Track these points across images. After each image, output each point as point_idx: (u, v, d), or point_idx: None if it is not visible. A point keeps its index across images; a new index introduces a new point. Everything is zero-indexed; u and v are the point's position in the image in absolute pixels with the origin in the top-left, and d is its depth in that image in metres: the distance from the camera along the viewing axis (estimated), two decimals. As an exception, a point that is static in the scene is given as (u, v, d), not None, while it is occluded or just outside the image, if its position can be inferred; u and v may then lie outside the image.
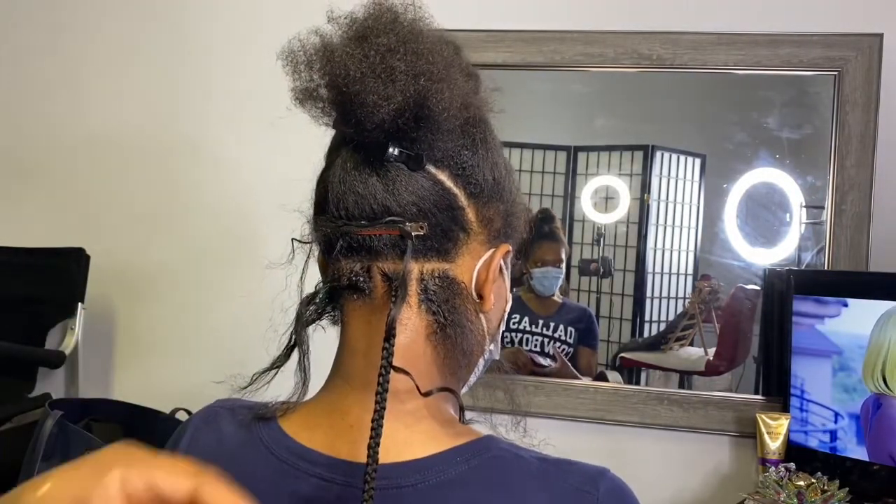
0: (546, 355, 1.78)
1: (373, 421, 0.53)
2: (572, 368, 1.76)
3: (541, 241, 1.80)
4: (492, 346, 0.67)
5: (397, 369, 0.56)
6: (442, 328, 0.61)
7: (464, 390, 0.68)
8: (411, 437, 0.60)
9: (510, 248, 0.65)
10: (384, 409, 0.53)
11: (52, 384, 1.89)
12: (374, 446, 0.52)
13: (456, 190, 0.61)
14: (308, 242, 0.63)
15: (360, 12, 0.60)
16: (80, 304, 1.85)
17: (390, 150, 0.58)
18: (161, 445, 0.96)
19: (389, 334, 0.55)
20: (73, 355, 1.84)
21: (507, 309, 0.68)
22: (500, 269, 0.65)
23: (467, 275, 0.62)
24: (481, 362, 0.67)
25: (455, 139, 0.60)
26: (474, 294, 0.63)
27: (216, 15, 1.96)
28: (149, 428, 1.64)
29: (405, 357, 0.58)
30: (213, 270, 1.93)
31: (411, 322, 0.60)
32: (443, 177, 0.60)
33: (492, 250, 0.64)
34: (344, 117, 0.58)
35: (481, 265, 0.63)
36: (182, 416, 1.68)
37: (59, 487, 0.40)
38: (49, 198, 2.04)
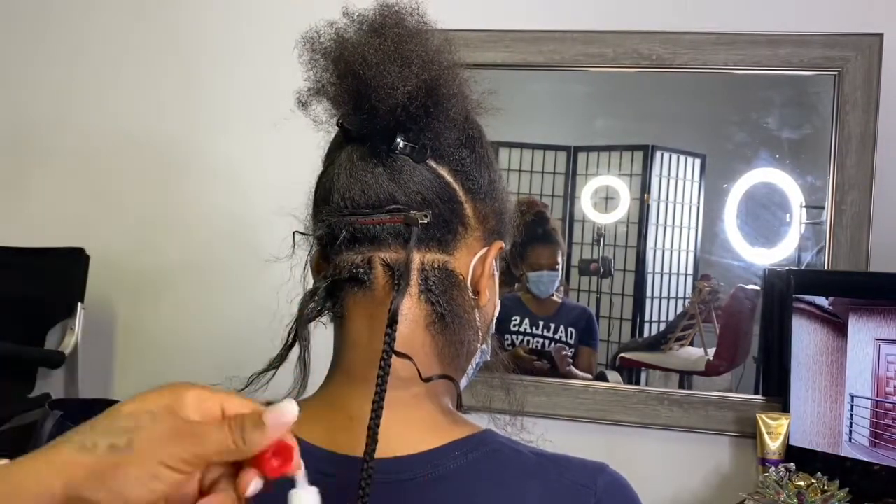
0: (545, 356, 1.77)
1: (373, 402, 0.53)
2: (574, 370, 1.76)
3: (534, 245, 1.78)
4: (483, 346, 0.68)
5: (399, 354, 0.57)
6: (441, 318, 0.62)
7: (463, 384, 0.68)
8: (411, 428, 0.61)
9: (503, 245, 0.67)
10: (385, 391, 0.54)
11: (51, 384, 1.89)
12: (374, 427, 0.53)
13: (455, 185, 0.63)
14: (311, 234, 0.65)
15: (369, 13, 0.63)
16: (79, 303, 1.85)
17: (397, 140, 0.60)
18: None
19: (392, 320, 0.56)
20: (72, 355, 1.84)
21: (496, 313, 0.70)
22: (493, 269, 0.67)
23: (464, 269, 0.64)
24: (475, 360, 0.68)
25: (457, 134, 0.63)
26: (470, 288, 0.64)
27: (218, 17, 1.96)
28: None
29: (405, 346, 0.60)
30: (212, 270, 1.94)
31: (411, 312, 0.62)
32: (443, 171, 0.62)
33: (487, 247, 0.65)
34: (357, 105, 0.60)
35: (477, 260, 0.65)
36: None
37: (147, 401, 0.45)
38: (49, 198, 2.04)
